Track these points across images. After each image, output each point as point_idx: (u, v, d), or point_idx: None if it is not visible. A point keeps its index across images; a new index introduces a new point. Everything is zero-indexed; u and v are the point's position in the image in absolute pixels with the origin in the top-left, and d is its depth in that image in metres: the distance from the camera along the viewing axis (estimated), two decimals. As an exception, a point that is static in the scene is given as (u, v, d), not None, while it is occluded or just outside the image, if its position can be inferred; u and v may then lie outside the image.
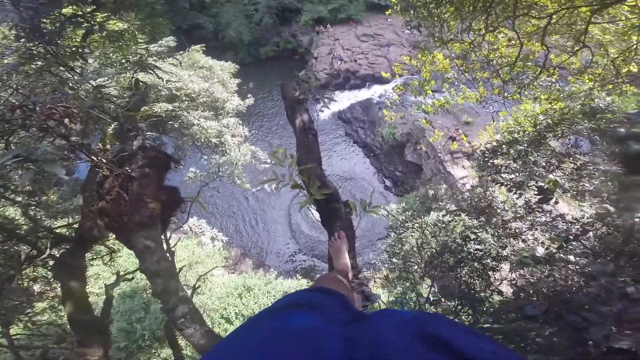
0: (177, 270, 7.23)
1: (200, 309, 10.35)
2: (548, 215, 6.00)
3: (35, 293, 5.80)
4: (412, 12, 5.28)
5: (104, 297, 5.50)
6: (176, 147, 10.27)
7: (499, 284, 5.86)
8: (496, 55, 5.82)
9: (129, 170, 3.31)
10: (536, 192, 3.04)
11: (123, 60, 5.55)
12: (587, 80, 5.61)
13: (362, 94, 25.52)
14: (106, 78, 6.89)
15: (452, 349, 0.52)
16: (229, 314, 10.26)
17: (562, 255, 3.51)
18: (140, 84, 4.18)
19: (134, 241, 3.38)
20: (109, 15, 4.00)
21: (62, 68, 3.67)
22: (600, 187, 4.23)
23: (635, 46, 4.07)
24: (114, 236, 4.36)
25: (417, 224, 8.03)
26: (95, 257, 7.09)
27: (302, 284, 12.31)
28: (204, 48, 12.56)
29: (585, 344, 1.46)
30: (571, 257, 3.92)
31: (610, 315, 1.43)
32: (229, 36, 32.66)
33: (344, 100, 25.60)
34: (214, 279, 12.88)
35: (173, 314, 3.33)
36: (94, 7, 3.42)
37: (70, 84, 3.75)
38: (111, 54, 7.05)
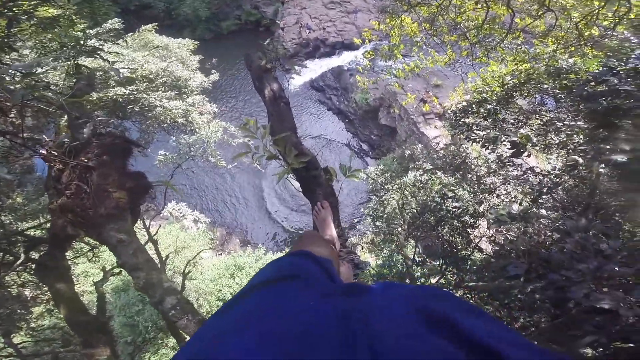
0: (164, 259, 7.16)
1: (195, 293, 10.42)
2: (519, 168, 6.26)
3: (28, 298, 5.62)
4: None
5: (94, 290, 5.37)
6: (141, 131, 9.73)
7: (478, 241, 6.12)
8: (463, 18, 5.78)
9: (85, 160, 3.10)
10: (509, 147, 3.11)
11: (62, 47, 5.11)
12: (551, 43, 5.69)
13: (333, 62, 25.09)
14: (46, 67, 6.38)
15: (455, 327, 0.46)
16: (225, 295, 10.33)
17: (535, 210, 3.66)
18: (82, 69, 3.85)
19: (105, 236, 3.22)
20: (38, 2, 3.63)
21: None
22: (567, 140, 4.39)
23: (597, 10, 4.11)
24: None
25: (396, 185, 8.11)
26: (78, 254, 6.88)
27: None
28: (156, 27, 11.67)
29: (567, 301, 1.56)
30: (543, 212, 4.12)
31: (588, 273, 1.51)
32: (184, 13, 30.34)
33: (315, 68, 25.16)
34: (204, 261, 12.85)
35: (162, 306, 3.27)
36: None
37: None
38: (48, 42, 6.51)
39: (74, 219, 3.26)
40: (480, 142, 5.66)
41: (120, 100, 7.54)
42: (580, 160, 3.12)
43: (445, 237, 5.75)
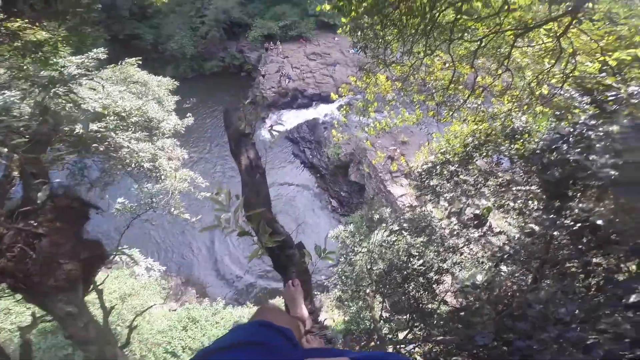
0: (109, 309, 6.43)
1: (140, 344, 9.48)
2: (480, 230, 6.48)
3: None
4: (359, 33, 5.44)
5: (19, 335, 4.66)
6: (102, 171, 9.09)
7: (444, 296, 6.23)
8: (431, 78, 6.17)
9: (35, 224, 2.77)
10: (472, 218, 3.19)
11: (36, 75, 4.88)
12: (506, 102, 6.15)
13: (309, 113, 25.91)
14: (16, 94, 6.07)
15: None
16: (175, 348, 9.65)
17: (497, 278, 3.72)
18: (50, 110, 3.61)
19: (52, 307, 2.88)
20: (28, 24, 3.52)
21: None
22: (523, 206, 4.55)
23: (547, 69, 4.51)
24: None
25: (364, 247, 8.15)
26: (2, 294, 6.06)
27: (253, 311, 11.72)
28: (139, 62, 11.64)
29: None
30: (504, 267, 4.18)
31: (550, 341, 1.46)
32: (171, 49, 31.13)
33: (291, 118, 25.76)
34: (154, 311, 11.84)
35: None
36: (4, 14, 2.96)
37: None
38: (25, 66, 6.25)
39: (14, 284, 2.89)
40: (445, 214, 5.90)
41: (85, 137, 7.12)
42: (537, 229, 3.20)
43: (411, 293, 5.88)
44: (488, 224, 6.75)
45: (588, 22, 4.47)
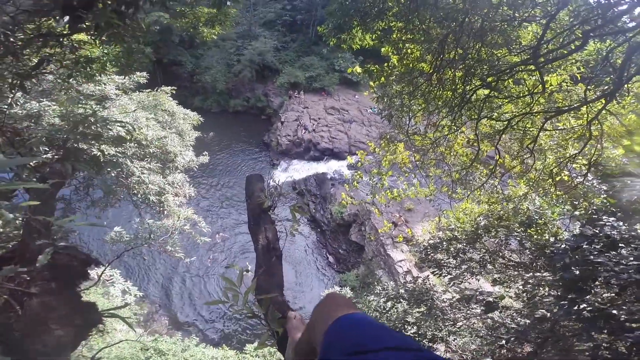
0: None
1: None
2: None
3: None
4: (386, 99, 5.63)
5: None
6: (107, 192, 9.01)
7: None
8: (451, 154, 6.28)
9: (26, 279, 2.53)
10: (483, 306, 3.13)
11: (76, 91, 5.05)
12: (522, 184, 6.15)
13: (319, 167, 26.28)
14: (51, 104, 6.25)
15: None
16: None
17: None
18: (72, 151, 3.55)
19: None
20: (87, 40, 3.74)
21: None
22: (534, 291, 4.43)
23: (574, 156, 4.45)
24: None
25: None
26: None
27: (229, 355, 10.97)
28: (174, 91, 12.15)
29: None
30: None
31: None
32: (204, 80, 32.72)
33: (301, 170, 26.16)
34: (117, 335, 11.04)
35: None
36: (70, 30, 3.17)
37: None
38: (72, 79, 6.52)
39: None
40: (459, 298, 5.74)
41: (102, 159, 7.19)
42: (548, 315, 3.11)
43: None
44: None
45: (617, 105, 4.38)
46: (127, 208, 11.52)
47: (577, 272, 2.47)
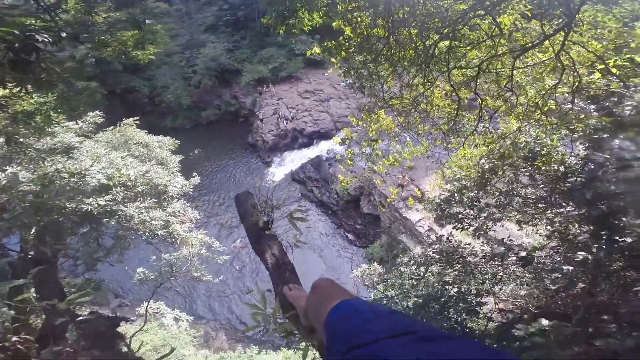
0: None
1: None
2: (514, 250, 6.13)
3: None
4: (353, 73, 5.42)
5: None
6: (117, 238, 9.15)
7: (491, 314, 5.95)
8: (434, 108, 6.09)
9: (71, 351, 2.61)
10: (519, 259, 2.96)
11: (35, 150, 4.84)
12: (512, 119, 6.04)
13: (311, 152, 26.03)
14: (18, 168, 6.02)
15: None
16: None
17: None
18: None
19: None
20: (12, 94, 3.50)
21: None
22: (564, 230, 4.29)
23: (554, 86, 4.42)
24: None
25: (392, 282, 7.78)
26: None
27: (289, 355, 11.20)
28: (137, 122, 11.83)
29: None
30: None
31: None
32: (167, 100, 31.81)
33: (295, 159, 25.93)
34: (187, 359, 11.61)
35: None
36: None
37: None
38: (21, 138, 6.24)
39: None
40: (489, 255, 5.59)
41: (95, 213, 7.07)
42: (589, 257, 2.93)
43: (453, 319, 5.69)
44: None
45: (577, 35, 4.49)
46: (142, 246, 11.49)
47: (604, 208, 2.27)
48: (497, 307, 6.12)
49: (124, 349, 2.99)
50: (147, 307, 6.50)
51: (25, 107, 5.19)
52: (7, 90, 3.44)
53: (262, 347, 13.51)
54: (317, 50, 6.34)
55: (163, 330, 12.62)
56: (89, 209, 6.74)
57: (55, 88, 3.81)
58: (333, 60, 6.10)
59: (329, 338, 0.84)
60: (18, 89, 3.07)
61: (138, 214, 7.97)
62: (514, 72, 4.71)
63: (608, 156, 2.30)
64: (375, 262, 15.38)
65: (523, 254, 2.91)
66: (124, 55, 7.45)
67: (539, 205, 5.35)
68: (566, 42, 3.57)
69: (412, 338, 0.64)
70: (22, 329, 2.48)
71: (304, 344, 1.91)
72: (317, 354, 1.95)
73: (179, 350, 10.94)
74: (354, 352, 0.66)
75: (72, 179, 7.05)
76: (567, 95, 4.29)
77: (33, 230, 6.18)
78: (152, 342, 11.17)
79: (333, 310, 0.89)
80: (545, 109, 5.11)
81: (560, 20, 3.86)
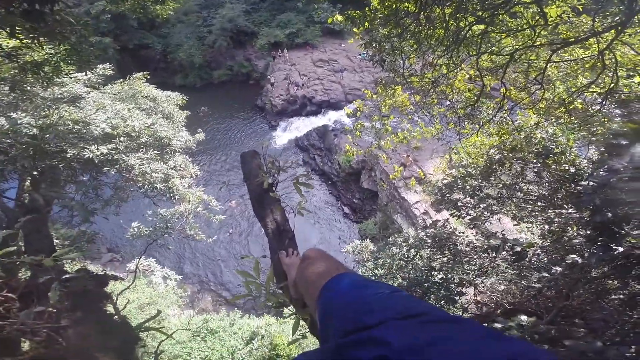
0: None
1: (160, 355, 9.33)
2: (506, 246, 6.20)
3: None
4: (375, 45, 5.22)
5: None
6: (115, 189, 9.09)
7: (467, 305, 6.09)
8: (454, 91, 5.92)
9: (54, 312, 2.49)
10: (512, 255, 2.97)
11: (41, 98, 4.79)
12: (531, 113, 5.90)
13: (318, 121, 25.77)
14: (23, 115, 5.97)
15: None
16: None
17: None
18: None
19: None
20: (24, 44, 3.41)
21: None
22: (560, 232, 4.30)
23: (587, 85, 4.26)
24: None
25: (382, 261, 7.91)
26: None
27: (272, 322, 11.60)
28: (147, 76, 11.60)
29: None
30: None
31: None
32: (179, 58, 31.33)
33: (301, 126, 25.74)
34: (173, 320, 11.79)
35: None
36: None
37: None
38: (29, 86, 6.14)
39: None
40: (483, 248, 5.63)
41: (96, 160, 7.05)
42: (580, 260, 2.95)
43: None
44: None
45: (627, 35, 4.25)
46: (139, 200, 11.59)
47: (610, 215, 2.24)
48: (475, 298, 6.28)
49: (110, 309, 2.96)
50: (137, 264, 6.62)
51: (34, 57, 5.07)
52: (18, 42, 3.35)
53: (245, 312, 13.71)
54: (339, 18, 6.10)
55: (151, 288, 12.83)
56: (91, 156, 6.72)
57: (68, 41, 3.70)
58: (355, 30, 5.88)
59: (323, 314, 0.79)
60: (29, 40, 2.98)
61: (139, 165, 7.92)
62: (547, 65, 4.54)
63: (626, 163, 2.25)
64: (367, 239, 15.63)
65: (518, 249, 2.92)
66: (142, 9, 7.16)
67: (539, 203, 5.34)
68: (614, 42, 3.43)
69: (421, 320, 0.61)
70: (5, 286, 2.45)
71: (292, 315, 1.90)
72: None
73: (164, 310, 11.12)
74: (361, 334, 0.61)
75: (75, 126, 7.00)
76: (597, 96, 4.15)
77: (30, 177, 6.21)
78: (138, 300, 11.31)
79: (327, 285, 0.84)
80: (571, 107, 4.95)
81: (617, 17, 3.68)
